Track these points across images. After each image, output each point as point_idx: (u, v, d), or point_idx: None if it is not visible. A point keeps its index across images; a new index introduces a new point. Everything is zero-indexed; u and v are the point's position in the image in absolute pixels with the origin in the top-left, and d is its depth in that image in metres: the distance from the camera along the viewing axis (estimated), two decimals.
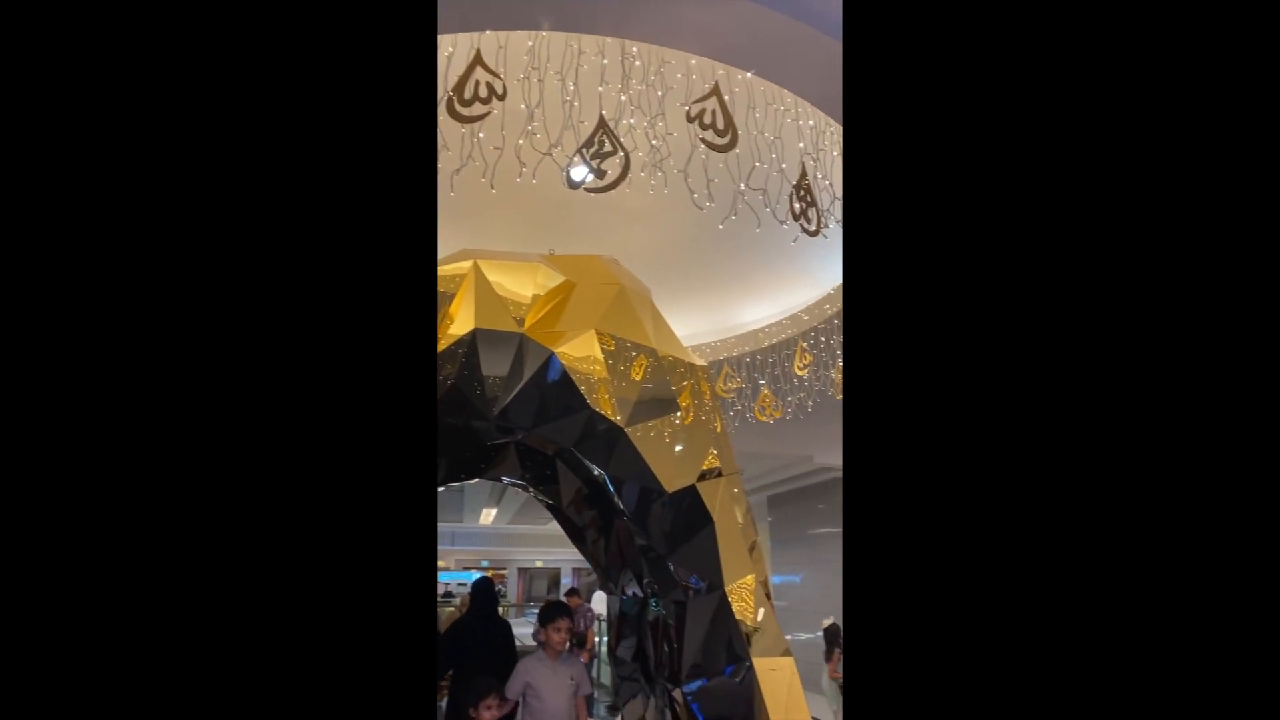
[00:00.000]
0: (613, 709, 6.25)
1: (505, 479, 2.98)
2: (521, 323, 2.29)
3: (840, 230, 3.52)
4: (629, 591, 2.80)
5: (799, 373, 5.37)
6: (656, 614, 2.56)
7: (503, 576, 23.22)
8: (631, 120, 2.77)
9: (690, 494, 2.34)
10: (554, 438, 2.32)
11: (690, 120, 2.61)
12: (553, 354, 2.24)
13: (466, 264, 2.36)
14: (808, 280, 5.22)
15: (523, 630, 6.04)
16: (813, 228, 2.85)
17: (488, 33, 2.57)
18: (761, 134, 2.94)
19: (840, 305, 5.15)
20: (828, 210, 3.17)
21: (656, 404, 2.37)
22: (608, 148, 2.45)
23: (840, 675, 4.63)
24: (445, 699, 3.78)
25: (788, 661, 2.32)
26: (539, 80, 2.60)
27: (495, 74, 2.39)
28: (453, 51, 2.67)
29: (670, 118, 2.78)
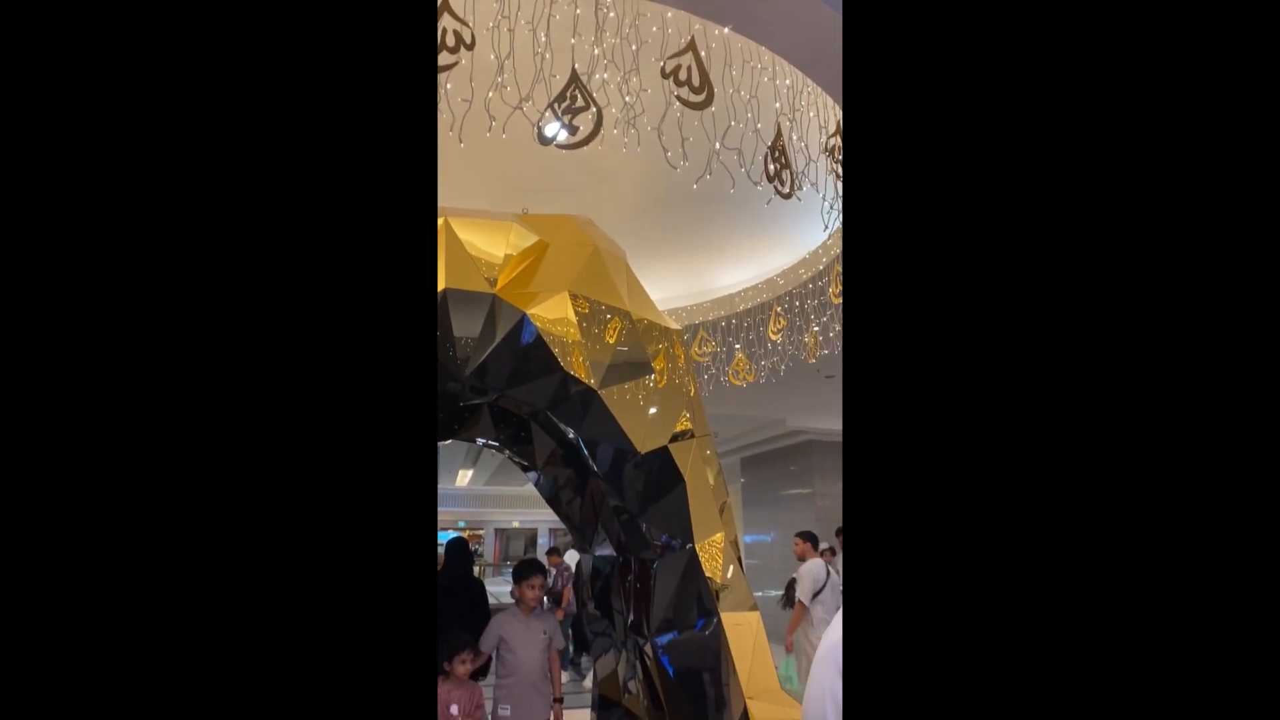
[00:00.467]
0: (574, 663, 6.38)
1: (480, 440, 2.97)
2: (494, 283, 2.24)
3: (815, 193, 3.50)
4: (602, 550, 2.84)
5: (773, 337, 5.41)
6: (628, 570, 2.61)
7: (479, 537, 23.41)
8: (605, 75, 2.70)
9: (662, 455, 2.37)
10: (528, 400, 2.32)
11: (665, 76, 2.55)
12: (525, 316, 2.21)
13: (437, 221, 2.30)
14: (784, 245, 5.22)
15: (500, 589, 6.13)
16: (786, 190, 2.84)
17: None
18: (738, 92, 2.89)
19: (815, 269, 5.17)
20: (802, 173, 3.14)
21: (630, 367, 2.37)
22: (580, 103, 2.39)
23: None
24: None
25: (754, 616, 2.40)
26: (509, 30, 2.50)
27: (464, 22, 2.30)
28: None
29: (645, 74, 2.71)
